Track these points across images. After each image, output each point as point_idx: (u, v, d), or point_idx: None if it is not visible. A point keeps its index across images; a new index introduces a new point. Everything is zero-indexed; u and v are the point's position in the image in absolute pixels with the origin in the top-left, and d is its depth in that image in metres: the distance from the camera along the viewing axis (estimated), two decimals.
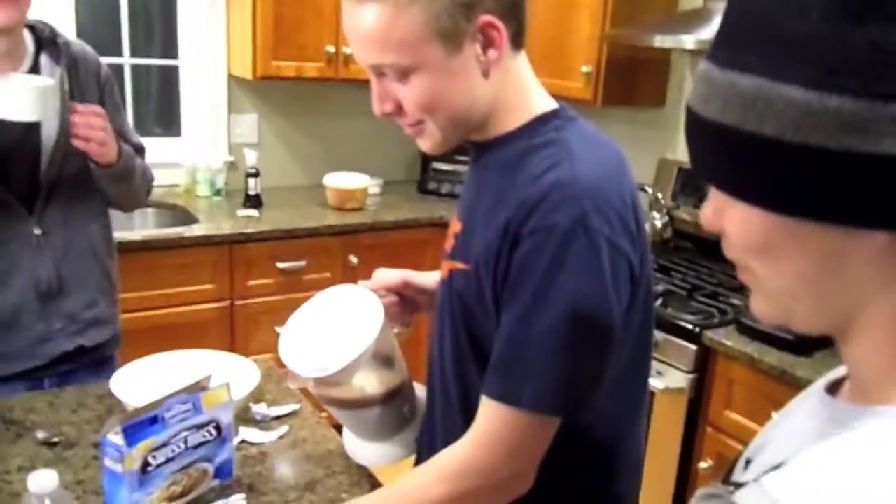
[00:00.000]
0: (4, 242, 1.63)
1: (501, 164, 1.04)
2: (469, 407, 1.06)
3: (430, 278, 1.29)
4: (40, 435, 1.42)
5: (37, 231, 1.65)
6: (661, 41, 2.55)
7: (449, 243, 1.12)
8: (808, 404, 0.63)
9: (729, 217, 0.55)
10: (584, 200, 0.93)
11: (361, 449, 1.30)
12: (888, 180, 0.46)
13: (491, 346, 1.01)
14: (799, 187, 0.49)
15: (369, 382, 1.18)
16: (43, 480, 0.93)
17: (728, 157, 0.52)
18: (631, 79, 2.94)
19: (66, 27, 2.92)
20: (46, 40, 1.66)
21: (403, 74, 0.97)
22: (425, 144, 1.06)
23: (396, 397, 1.24)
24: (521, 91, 1.05)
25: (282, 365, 1.17)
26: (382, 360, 1.17)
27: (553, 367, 0.95)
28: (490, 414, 0.99)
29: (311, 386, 1.14)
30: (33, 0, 1.54)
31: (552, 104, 1.06)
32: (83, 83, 1.70)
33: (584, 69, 2.86)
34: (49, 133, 1.63)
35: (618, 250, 0.94)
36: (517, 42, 1.02)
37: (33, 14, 1.60)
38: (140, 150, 1.84)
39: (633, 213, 0.99)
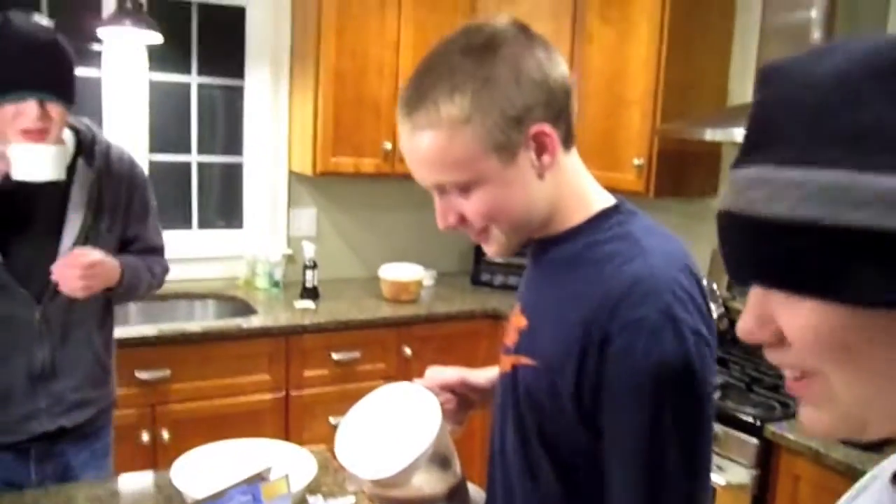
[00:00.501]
0: (8, 325, 1.72)
1: (566, 261, 1.05)
2: (534, 498, 1.05)
3: (483, 376, 1.29)
4: None
5: (39, 318, 1.73)
6: (711, 135, 2.58)
7: (511, 338, 1.13)
8: (873, 490, 0.62)
9: (790, 320, 0.53)
10: (666, 293, 0.94)
11: None
12: None
13: (560, 438, 1.02)
14: (887, 276, 0.48)
15: (427, 482, 1.18)
16: None
17: (798, 254, 0.51)
18: (682, 170, 2.97)
19: (141, 126, 3.10)
20: (87, 144, 1.78)
21: (464, 189, 1.01)
22: (491, 249, 1.09)
23: (454, 497, 1.23)
24: (578, 188, 1.07)
25: (336, 457, 1.18)
26: (440, 460, 1.17)
27: (676, 467, 0.95)
28: None
29: (367, 487, 1.14)
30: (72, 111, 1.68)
31: (610, 199, 1.09)
32: (113, 187, 1.81)
33: (636, 161, 2.90)
34: (72, 227, 1.74)
35: (702, 338, 0.95)
36: (567, 142, 1.05)
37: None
38: (156, 250, 1.97)
39: (705, 301, 1.00)
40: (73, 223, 1.73)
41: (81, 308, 1.79)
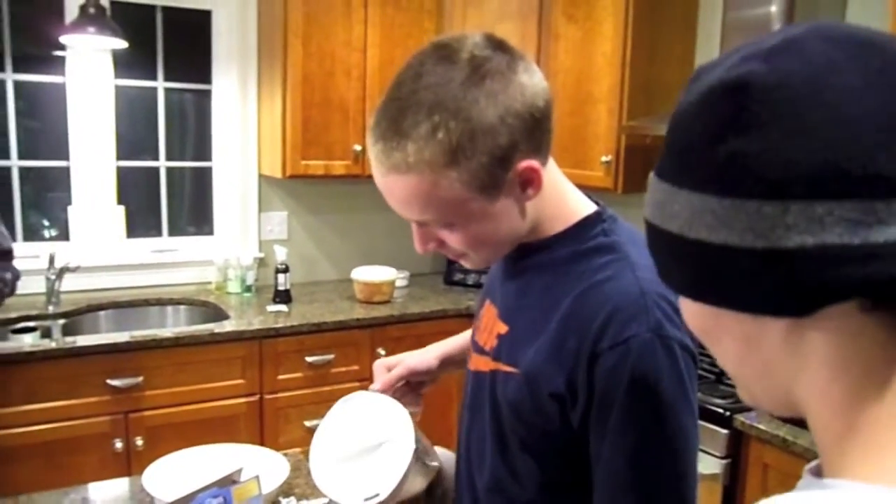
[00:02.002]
0: None
1: (549, 270, 1.04)
2: (501, 494, 1.07)
3: (426, 358, 1.30)
4: None
5: None
6: None
7: (488, 341, 1.12)
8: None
9: (682, 307, 0.62)
10: (655, 310, 0.94)
11: None
12: (766, 272, 0.50)
13: (541, 445, 1.02)
14: (701, 278, 0.55)
15: (414, 483, 1.18)
16: None
17: (656, 251, 0.59)
18: (649, 166, 2.98)
19: (107, 133, 3.07)
20: None
21: (447, 224, 0.99)
22: (470, 265, 1.08)
23: (436, 484, 1.23)
24: (559, 198, 1.05)
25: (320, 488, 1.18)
26: (420, 457, 1.17)
27: (660, 477, 0.95)
28: None
29: None
30: None
31: (591, 206, 1.07)
32: None
33: (604, 159, 2.93)
34: None
35: (688, 351, 0.96)
36: (546, 157, 1.01)
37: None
38: (10, 255, 1.93)
39: None
40: None
41: None
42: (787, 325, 0.53)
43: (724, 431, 2.19)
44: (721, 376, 2.43)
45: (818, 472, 0.57)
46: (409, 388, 1.29)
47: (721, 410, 2.21)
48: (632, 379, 0.92)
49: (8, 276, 1.90)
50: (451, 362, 1.34)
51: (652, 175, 0.59)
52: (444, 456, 1.32)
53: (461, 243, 1.01)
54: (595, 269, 0.99)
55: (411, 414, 1.23)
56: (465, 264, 1.09)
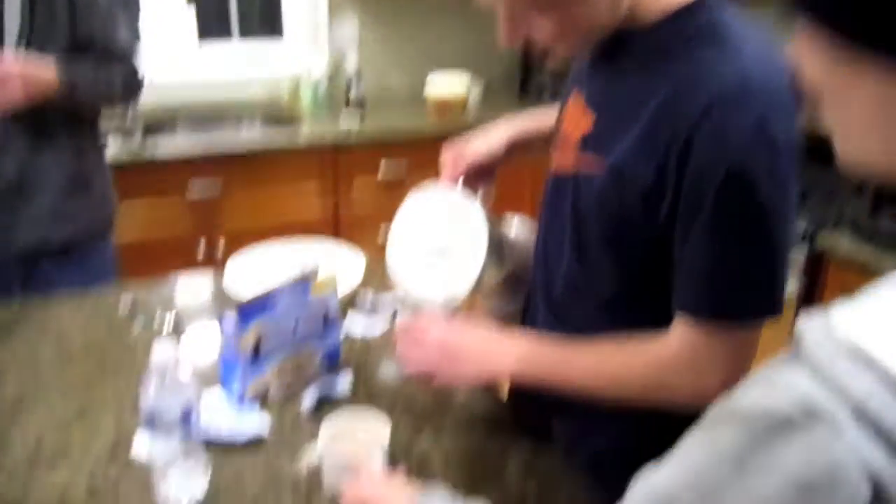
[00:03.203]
0: None
1: (643, 54, 0.96)
2: (577, 296, 1.06)
3: (493, 144, 1.26)
4: (163, 320, 1.51)
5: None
6: None
7: (573, 133, 1.06)
8: None
9: (801, 50, 0.54)
10: (761, 101, 0.86)
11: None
12: None
13: (624, 244, 0.99)
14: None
15: (490, 276, 1.18)
16: (165, 352, 0.99)
17: None
18: None
19: None
20: None
21: (539, 8, 0.92)
22: (561, 53, 1.00)
23: (515, 277, 1.24)
24: None
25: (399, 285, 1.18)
26: (494, 251, 1.16)
27: (756, 274, 0.92)
28: (699, 329, 0.95)
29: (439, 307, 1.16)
30: None
31: None
32: None
33: None
34: (11, 31, 1.64)
35: (793, 149, 0.89)
36: None
37: None
38: (120, 55, 1.78)
39: (796, 109, 0.92)
40: (10, 31, 1.61)
41: (45, 119, 1.71)
42: None
43: (804, 250, 2.14)
44: (807, 194, 2.34)
45: None
46: (479, 172, 1.26)
47: (803, 228, 2.14)
48: (727, 175, 0.87)
49: (117, 79, 1.79)
50: (520, 146, 1.29)
51: None
52: (522, 227, 1.31)
53: (553, 29, 0.94)
54: (697, 56, 0.91)
55: (484, 198, 1.22)
56: (555, 57, 1.02)
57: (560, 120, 1.13)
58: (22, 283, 1.81)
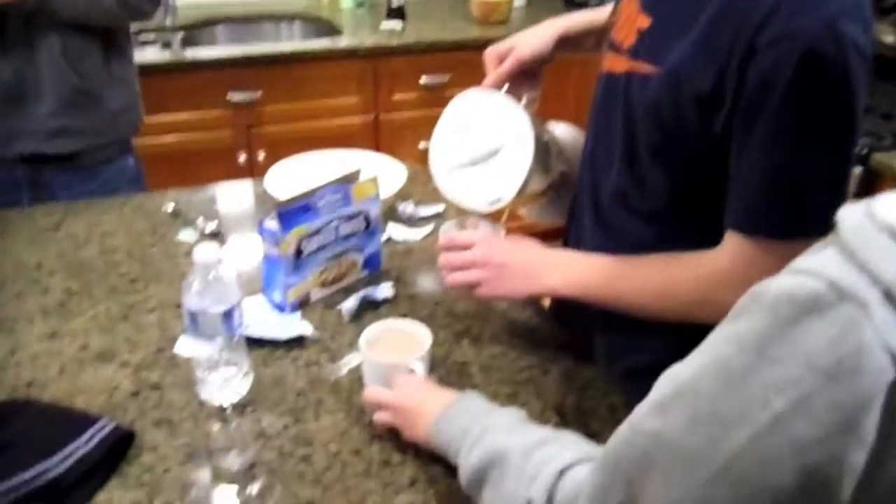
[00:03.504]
0: None
1: None
2: (625, 204, 1.03)
3: (539, 42, 1.19)
4: (205, 225, 1.51)
5: None
6: None
7: (627, 37, 1.00)
8: None
9: None
10: (833, 1, 0.80)
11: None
12: None
13: (676, 153, 0.95)
14: None
15: (535, 182, 1.14)
16: (207, 253, 0.98)
17: None
18: None
19: None
20: None
21: None
22: None
23: (564, 182, 1.20)
24: None
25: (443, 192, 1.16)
26: (540, 157, 1.12)
27: (816, 188, 0.87)
28: (752, 246, 0.91)
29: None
30: None
31: None
32: None
33: None
34: None
35: (864, 56, 0.82)
36: None
37: None
38: None
39: (870, 9, 0.85)
40: None
41: (36, 29, 1.65)
42: None
43: (858, 169, 2.06)
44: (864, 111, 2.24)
45: None
46: (525, 74, 1.20)
47: (858, 147, 2.06)
48: (791, 83, 0.81)
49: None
50: (570, 43, 1.23)
51: None
52: (568, 133, 1.26)
53: None
54: None
55: (530, 100, 1.17)
56: None
57: (612, 22, 1.08)
58: (29, 190, 1.78)
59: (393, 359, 1.03)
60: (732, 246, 0.93)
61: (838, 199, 0.88)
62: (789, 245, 0.90)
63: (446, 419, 0.90)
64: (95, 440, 0.95)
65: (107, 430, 0.97)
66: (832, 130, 0.85)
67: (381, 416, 0.99)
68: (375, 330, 1.08)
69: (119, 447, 0.97)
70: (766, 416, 0.49)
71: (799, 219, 0.88)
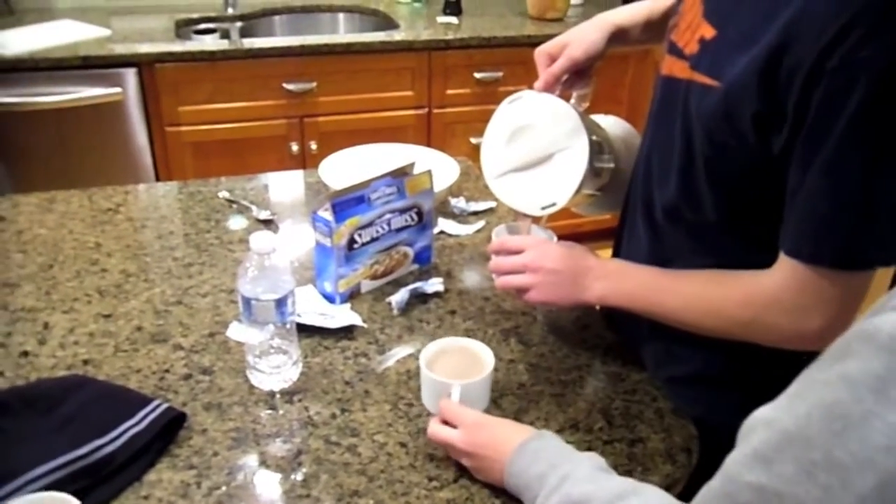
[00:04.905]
0: None
1: None
2: (679, 217, 1.02)
3: (591, 40, 1.15)
4: (259, 213, 1.53)
5: None
6: None
7: (689, 44, 0.98)
8: None
9: None
10: None
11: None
12: None
13: (732, 168, 0.93)
14: None
15: (588, 185, 1.13)
16: (263, 240, 0.99)
17: None
18: None
19: None
20: None
21: None
22: None
23: (614, 178, 1.19)
24: None
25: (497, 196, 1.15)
26: (593, 160, 1.11)
27: (881, 216, 0.83)
28: (809, 272, 0.88)
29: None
30: None
31: None
32: None
33: None
34: None
35: None
36: None
37: None
38: None
39: None
40: None
41: None
42: None
43: None
44: None
45: None
46: (577, 72, 1.17)
47: None
48: (860, 106, 0.77)
49: None
50: (623, 38, 1.19)
51: None
52: (618, 127, 1.24)
53: None
54: None
55: (581, 97, 1.15)
56: None
57: (673, 24, 1.05)
58: None
59: (443, 378, 1.01)
60: (788, 270, 0.90)
61: None
62: (851, 274, 0.88)
63: (521, 462, 0.87)
64: (147, 420, 0.97)
65: (159, 411, 0.99)
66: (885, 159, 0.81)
67: (452, 453, 0.97)
68: (437, 348, 1.07)
69: (170, 429, 0.99)
70: (894, 462, 0.46)
71: (864, 249, 0.85)
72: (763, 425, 0.54)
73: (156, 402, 1.00)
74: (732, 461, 0.55)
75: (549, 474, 0.83)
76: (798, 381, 0.53)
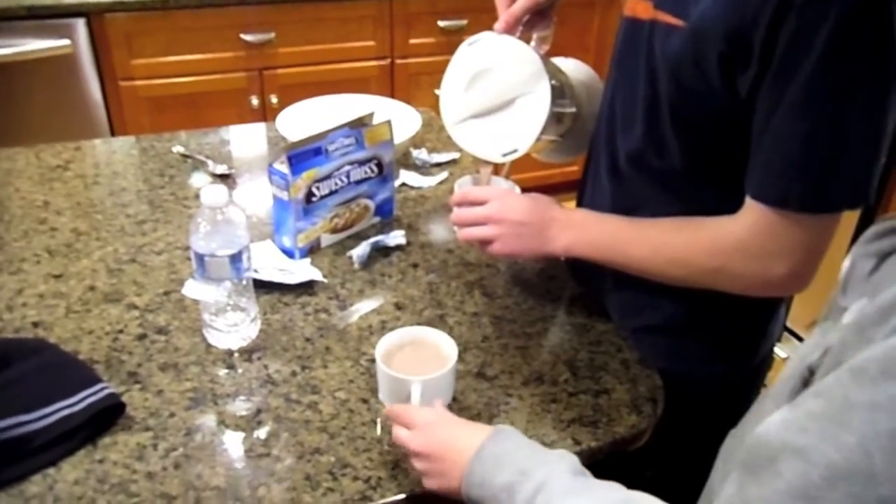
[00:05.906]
0: None
1: None
2: (643, 163, 0.99)
3: None
4: (215, 168, 1.48)
5: None
6: None
7: None
8: None
9: None
10: None
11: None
12: None
13: (697, 110, 0.90)
14: None
15: (550, 131, 1.10)
16: (215, 194, 0.96)
17: None
18: None
19: None
20: None
21: None
22: None
23: (577, 124, 1.16)
24: None
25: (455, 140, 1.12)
26: (555, 104, 1.07)
27: (851, 158, 0.82)
28: (775, 217, 0.87)
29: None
30: None
31: None
32: None
33: None
34: None
35: None
36: None
37: None
38: None
39: None
40: None
41: None
42: None
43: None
44: None
45: None
46: (538, 13, 1.12)
47: None
48: (829, 42, 0.75)
49: None
50: None
51: None
52: (579, 71, 1.21)
53: None
54: None
55: (541, 38, 1.12)
56: None
57: None
58: None
59: (402, 374, 0.91)
60: (754, 215, 0.89)
61: (874, 170, 0.83)
62: (818, 218, 0.87)
63: (482, 470, 0.77)
64: (85, 403, 0.91)
65: (101, 395, 0.93)
66: (874, 95, 0.79)
67: (409, 461, 0.87)
68: (395, 338, 0.98)
69: (106, 416, 0.92)
70: None
71: (830, 191, 0.84)
72: (794, 455, 0.49)
73: (100, 385, 0.94)
74: (760, 498, 0.50)
75: (520, 484, 0.73)
76: (819, 399, 0.49)
